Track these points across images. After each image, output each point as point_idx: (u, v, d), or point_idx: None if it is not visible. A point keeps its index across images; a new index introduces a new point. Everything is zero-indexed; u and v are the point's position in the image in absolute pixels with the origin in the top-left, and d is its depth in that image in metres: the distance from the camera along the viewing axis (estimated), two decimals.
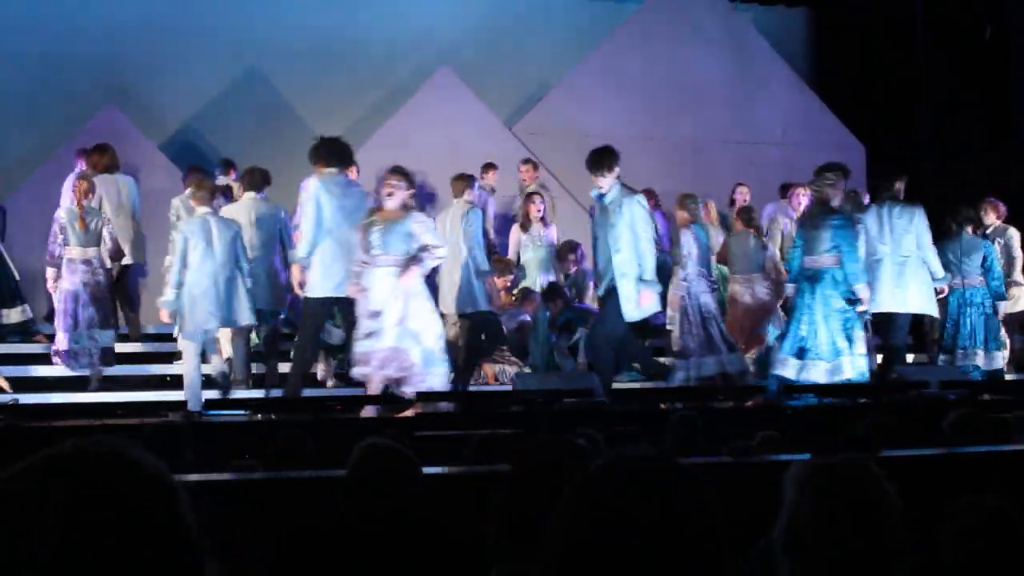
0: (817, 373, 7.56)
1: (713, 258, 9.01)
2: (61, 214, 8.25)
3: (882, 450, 4.09)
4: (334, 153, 7.44)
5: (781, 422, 5.78)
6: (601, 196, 7.49)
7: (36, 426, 5.66)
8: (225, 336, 8.06)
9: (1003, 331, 9.19)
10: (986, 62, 13.05)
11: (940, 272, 8.32)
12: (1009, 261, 9.66)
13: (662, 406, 7.03)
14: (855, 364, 7.60)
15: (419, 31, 12.78)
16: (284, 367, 7.94)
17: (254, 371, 8.23)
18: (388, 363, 6.92)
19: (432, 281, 9.50)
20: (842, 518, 1.94)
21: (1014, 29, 12.93)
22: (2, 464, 1.15)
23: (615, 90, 12.24)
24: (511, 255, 9.78)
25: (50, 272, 8.32)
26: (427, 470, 3.18)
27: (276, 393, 7.62)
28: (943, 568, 2.56)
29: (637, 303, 7.37)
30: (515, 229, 9.92)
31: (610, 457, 1.45)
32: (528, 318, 9.12)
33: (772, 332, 9.17)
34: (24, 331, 9.20)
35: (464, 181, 8.45)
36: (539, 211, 9.75)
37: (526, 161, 10.61)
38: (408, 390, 6.89)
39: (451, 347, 9.00)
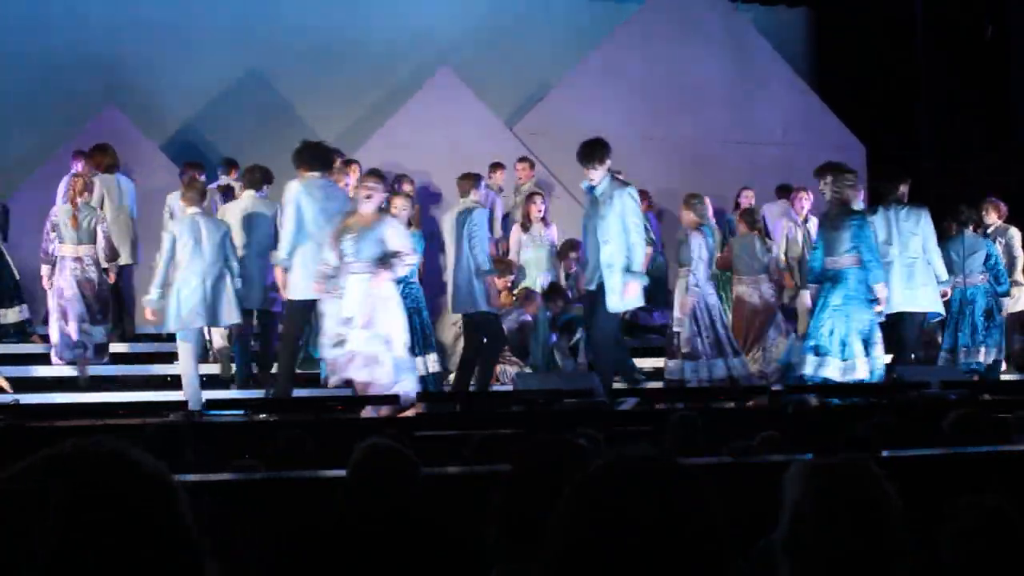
0: (831, 371, 7.66)
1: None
2: (55, 212, 8.37)
3: (882, 450, 4.09)
4: (316, 157, 7.52)
5: (781, 422, 5.78)
6: (591, 188, 7.50)
7: (36, 426, 5.66)
8: (217, 332, 8.17)
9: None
10: (986, 62, 13.05)
11: (944, 274, 8.43)
12: (1010, 261, 9.71)
13: (659, 406, 7.02)
14: (870, 365, 7.71)
15: (419, 31, 12.78)
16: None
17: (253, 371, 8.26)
18: (358, 368, 6.92)
19: (434, 282, 9.53)
20: (842, 518, 1.94)
21: (1014, 29, 12.93)
22: (2, 464, 1.15)
23: (615, 90, 12.24)
24: (512, 255, 9.78)
25: (44, 270, 8.45)
26: (427, 470, 3.18)
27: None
28: (943, 568, 2.56)
29: (622, 295, 7.38)
30: (515, 229, 9.92)
31: (610, 457, 1.45)
32: (529, 318, 9.12)
33: (772, 335, 9.20)
34: (21, 331, 9.22)
35: (470, 180, 8.42)
36: (540, 211, 9.76)
37: (522, 159, 10.61)
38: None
39: (442, 348, 9.04)
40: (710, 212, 9.94)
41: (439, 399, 7.55)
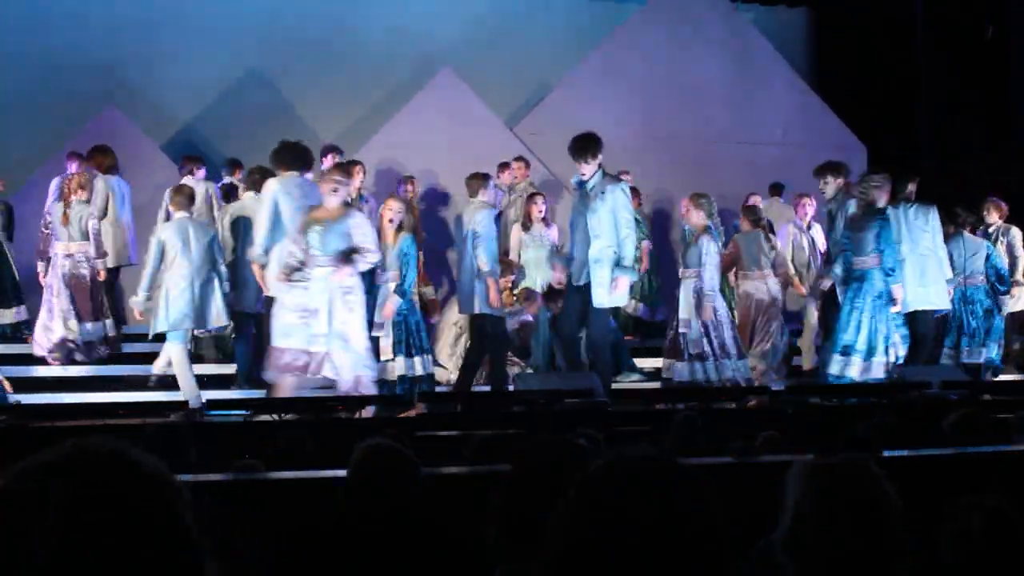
0: (854, 370, 7.78)
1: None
2: (49, 210, 8.54)
3: (883, 451, 4.09)
4: (297, 157, 7.60)
5: (782, 422, 5.78)
6: (582, 183, 7.49)
7: (37, 426, 5.66)
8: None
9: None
10: (986, 62, 13.05)
11: (951, 272, 8.53)
12: (1011, 260, 9.75)
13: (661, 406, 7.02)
14: (889, 366, 7.80)
15: (419, 31, 12.78)
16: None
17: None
18: (313, 366, 6.93)
19: (436, 282, 9.52)
20: (842, 518, 1.94)
21: (1014, 29, 12.92)
22: (3, 464, 1.15)
23: (616, 90, 12.24)
24: (512, 255, 9.78)
25: (40, 266, 8.66)
26: (427, 470, 3.18)
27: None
28: (943, 568, 2.56)
29: (610, 290, 7.37)
30: (516, 229, 9.91)
31: (610, 457, 1.45)
32: (530, 318, 9.12)
33: (776, 330, 9.23)
34: (17, 333, 9.24)
35: (479, 180, 8.40)
36: (541, 211, 9.75)
37: (518, 159, 10.60)
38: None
39: (434, 347, 9.01)
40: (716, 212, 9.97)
41: (440, 399, 7.54)
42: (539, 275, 9.59)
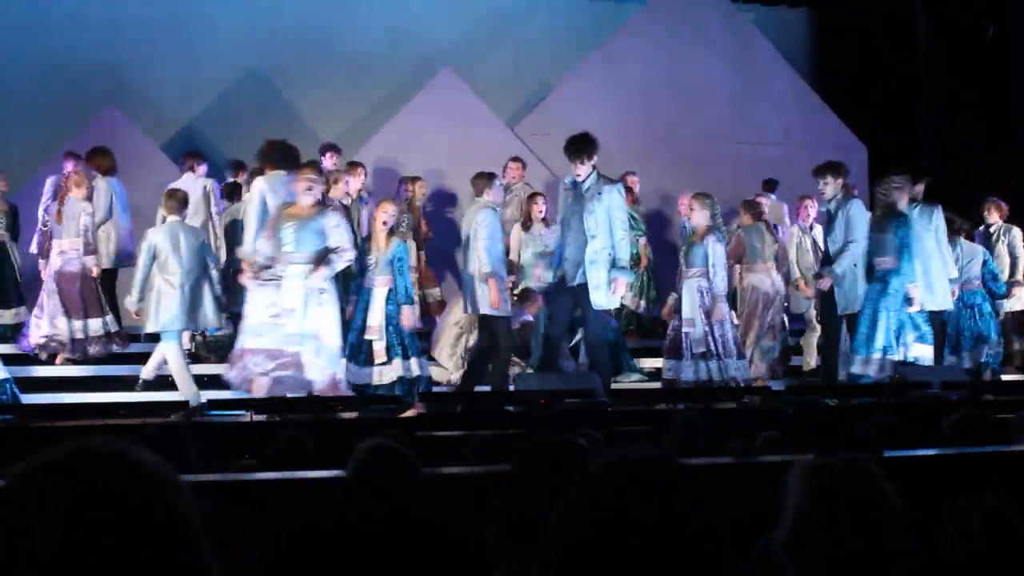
0: (873, 368, 7.86)
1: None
2: (47, 208, 8.69)
3: (883, 451, 4.08)
4: (284, 156, 7.64)
5: (782, 422, 5.78)
6: (575, 183, 7.47)
7: (38, 426, 5.66)
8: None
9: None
10: (986, 62, 13.05)
11: (955, 272, 8.56)
12: (1012, 260, 9.78)
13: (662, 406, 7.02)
14: (899, 364, 7.88)
15: (419, 31, 12.78)
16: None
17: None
18: (282, 365, 6.92)
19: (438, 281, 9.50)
20: (842, 518, 1.94)
21: (1014, 29, 12.92)
22: (3, 464, 1.15)
23: (616, 90, 12.24)
24: (512, 255, 9.77)
25: (41, 264, 8.81)
26: (427, 470, 3.18)
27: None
28: (943, 568, 2.56)
29: (609, 291, 7.37)
30: (516, 229, 9.90)
31: (610, 457, 1.45)
32: (530, 318, 9.11)
33: (779, 323, 9.28)
34: (16, 332, 9.25)
35: (484, 180, 8.36)
36: (541, 211, 9.74)
37: (514, 159, 10.59)
38: (290, 394, 6.90)
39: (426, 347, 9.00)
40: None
41: (441, 399, 7.54)
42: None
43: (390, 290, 7.92)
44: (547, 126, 11.70)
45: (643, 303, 10.50)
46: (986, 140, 12.81)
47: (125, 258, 9.18)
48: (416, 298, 8.86)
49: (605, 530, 1.35)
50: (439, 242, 10.65)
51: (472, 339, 8.76)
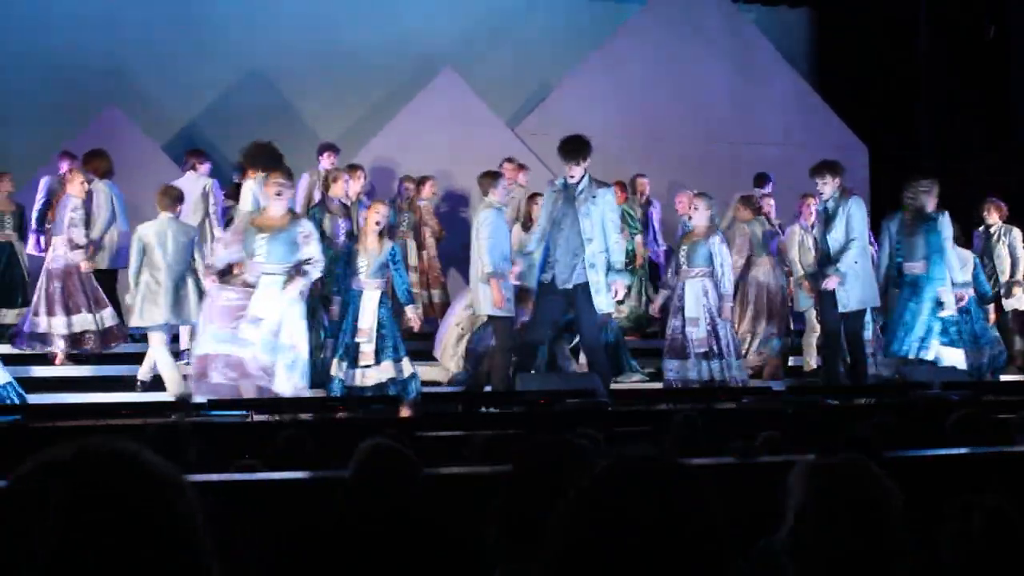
0: (926, 372, 7.90)
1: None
2: (37, 208, 8.92)
3: (884, 452, 4.08)
4: (271, 159, 7.76)
5: (782, 422, 5.78)
6: (566, 184, 7.43)
7: (39, 426, 5.65)
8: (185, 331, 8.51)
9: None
10: (986, 62, 13.05)
11: (959, 276, 8.60)
12: (1013, 261, 9.78)
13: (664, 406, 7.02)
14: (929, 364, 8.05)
15: (420, 31, 12.78)
16: None
17: None
18: (247, 374, 6.92)
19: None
20: (842, 518, 1.94)
21: (1014, 29, 12.92)
22: (3, 464, 1.15)
23: (617, 90, 12.24)
24: (513, 256, 9.76)
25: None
26: (427, 470, 3.18)
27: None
28: (943, 568, 2.56)
29: (609, 294, 7.36)
30: (516, 229, 9.90)
31: (611, 458, 1.45)
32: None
33: (776, 343, 9.28)
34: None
35: (489, 179, 8.35)
36: None
37: (509, 160, 10.58)
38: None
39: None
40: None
41: (441, 399, 7.54)
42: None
43: (383, 293, 7.88)
44: (547, 126, 11.70)
45: (644, 299, 10.51)
46: (986, 140, 12.81)
47: (124, 259, 9.18)
48: (418, 298, 8.86)
49: (605, 530, 1.35)
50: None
51: (473, 339, 8.76)
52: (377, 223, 7.86)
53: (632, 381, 9.06)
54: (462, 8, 13.12)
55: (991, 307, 9.66)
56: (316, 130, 12.08)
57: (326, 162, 9.91)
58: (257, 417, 5.91)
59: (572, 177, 7.39)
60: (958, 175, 11.66)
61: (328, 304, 8.11)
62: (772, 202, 10.43)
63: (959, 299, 8.54)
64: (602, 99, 12.08)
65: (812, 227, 9.82)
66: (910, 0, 13.34)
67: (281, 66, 12.51)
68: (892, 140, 13.04)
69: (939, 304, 8.04)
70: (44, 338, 8.40)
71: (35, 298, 8.47)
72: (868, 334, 8.67)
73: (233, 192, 9.68)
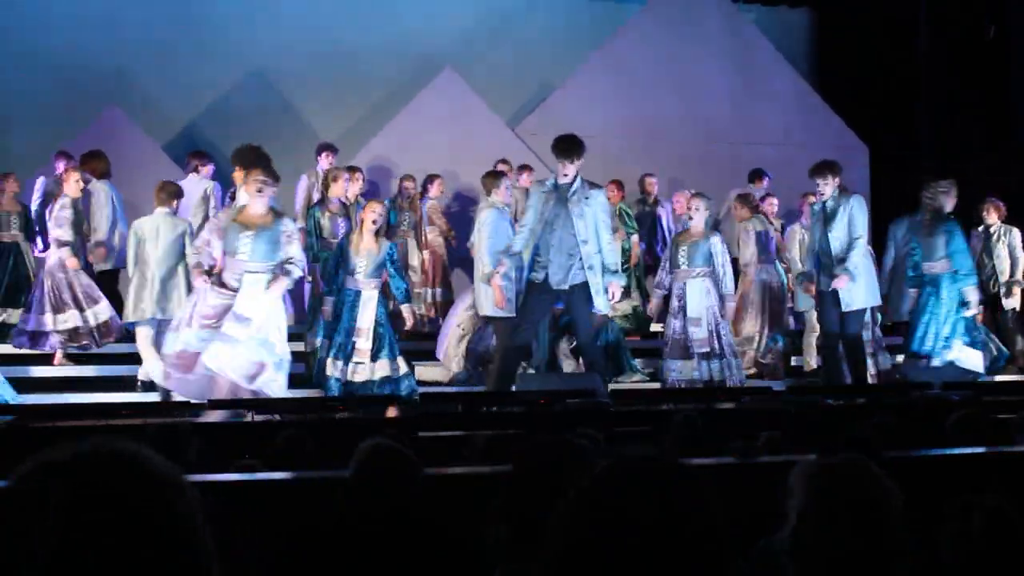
0: (927, 372, 7.95)
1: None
2: (34, 208, 9.05)
3: (884, 452, 4.08)
4: (255, 158, 7.85)
5: (782, 422, 5.77)
6: (557, 185, 7.38)
7: (39, 426, 5.65)
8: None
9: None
10: (986, 62, 13.05)
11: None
12: (1013, 261, 9.78)
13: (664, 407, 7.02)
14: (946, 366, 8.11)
15: (420, 31, 12.79)
16: None
17: None
18: (237, 369, 6.91)
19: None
20: (843, 518, 1.94)
21: (1014, 29, 12.92)
22: (3, 464, 1.15)
23: (617, 90, 12.24)
24: None
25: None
26: (428, 470, 3.18)
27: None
28: (943, 568, 2.56)
29: (607, 295, 7.36)
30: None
31: (611, 457, 1.45)
32: None
33: (781, 341, 9.28)
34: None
35: (492, 179, 8.32)
36: None
37: (503, 161, 10.58)
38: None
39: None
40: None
41: (442, 399, 7.53)
42: None
43: (380, 292, 7.87)
44: (548, 126, 11.69)
45: (643, 298, 10.51)
46: (986, 140, 12.80)
47: (124, 259, 9.19)
48: (420, 297, 8.85)
49: (605, 530, 1.35)
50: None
51: (473, 339, 8.76)
52: (373, 222, 7.79)
53: (632, 381, 9.06)
54: (462, 8, 13.12)
55: (982, 308, 9.68)
56: (316, 130, 12.09)
57: (324, 162, 9.91)
58: (257, 417, 5.91)
59: (565, 176, 7.32)
60: (958, 175, 11.65)
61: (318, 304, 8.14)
62: (775, 201, 10.44)
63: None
64: (602, 99, 12.08)
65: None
66: (910, 0, 13.34)
67: (281, 66, 12.51)
68: (892, 140, 13.04)
69: (963, 304, 8.09)
70: (34, 336, 8.38)
71: (30, 297, 8.50)
72: (868, 334, 8.67)
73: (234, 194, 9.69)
